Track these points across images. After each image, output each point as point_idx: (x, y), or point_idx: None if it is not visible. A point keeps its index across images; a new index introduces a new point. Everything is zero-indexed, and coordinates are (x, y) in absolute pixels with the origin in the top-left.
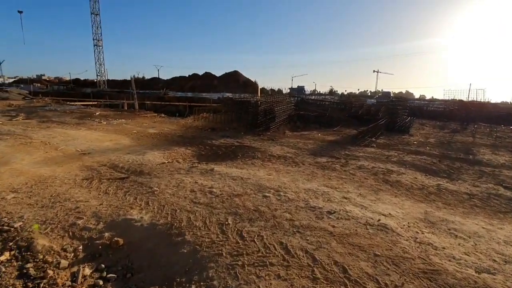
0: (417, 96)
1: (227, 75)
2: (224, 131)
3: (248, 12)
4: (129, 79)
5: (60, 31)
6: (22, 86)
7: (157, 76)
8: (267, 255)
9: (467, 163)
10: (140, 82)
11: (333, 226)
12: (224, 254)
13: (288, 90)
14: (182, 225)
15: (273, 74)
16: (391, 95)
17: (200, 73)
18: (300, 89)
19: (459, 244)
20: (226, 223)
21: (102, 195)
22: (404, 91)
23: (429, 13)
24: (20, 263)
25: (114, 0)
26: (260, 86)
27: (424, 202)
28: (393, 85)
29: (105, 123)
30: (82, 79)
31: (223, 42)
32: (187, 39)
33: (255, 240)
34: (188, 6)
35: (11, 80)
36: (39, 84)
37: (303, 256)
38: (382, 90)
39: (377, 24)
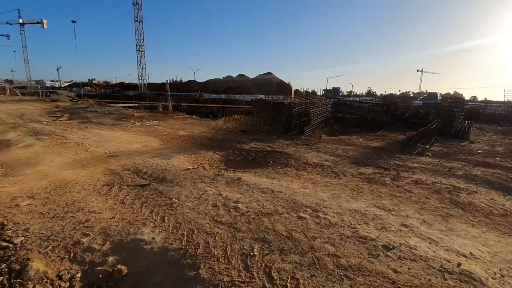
0: (467, 97)
1: (260, 77)
2: (255, 134)
3: (283, 15)
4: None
5: (108, 38)
6: (74, 89)
7: (193, 79)
8: None
9: None
10: (177, 85)
11: (395, 271)
12: None
13: (323, 92)
14: (198, 252)
15: (307, 76)
16: (439, 96)
17: (234, 75)
18: (335, 90)
19: None
20: (251, 254)
21: (118, 205)
22: (452, 92)
23: (478, 12)
24: None
25: (155, 7)
26: (293, 88)
27: None
28: (438, 86)
29: (138, 124)
30: (126, 82)
31: (258, 44)
32: (222, 42)
33: (288, 285)
34: (225, 11)
35: (66, 84)
36: (89, 88)
37: None
38: (427, 90)
39: (421, 23)
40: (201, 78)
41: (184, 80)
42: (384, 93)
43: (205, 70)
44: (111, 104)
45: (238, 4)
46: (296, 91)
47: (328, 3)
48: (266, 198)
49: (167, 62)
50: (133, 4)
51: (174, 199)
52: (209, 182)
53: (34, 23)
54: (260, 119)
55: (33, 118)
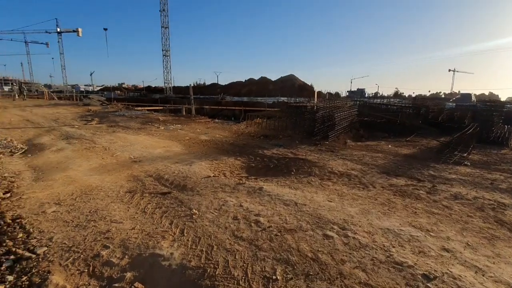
0: (503, 98)
1: (282, 80)
2: (277, 139)
3: (305, 15)
4: (191, 85)
5: (137, 44)
6: (105, 93)
7: (216, 82)
8: None
9: None
10: (201, 88)
11: None
12: None
13: (347, 93)
14: (216, 272)
15: (329, 77)
16: (473, 97)
17: (256, 77)
18: (360, 91)
19: None
20: (274, 277)
21: (139, 214)
22: (487, 93)
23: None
24: None
25: (181, 12)
26: (316, 90)
27: None
28: (470, 86)
29: (162, 128)
30: (153, 86)
31: (279, 46)
32: (245, 45)
33: None
34: (248, 16)
35: (98, 88)
36: (118, 92)
37: None
38: (459, 91)
39: (450, 22)
40: (224, 81)
41: (208, 83)
42: (412, 94)
43: (227, 73)
44: (137, 108)
45: (259, 7)
46: (319, 93)
47: (349, 2)
48: (289, 212)
49: (192, 66)
50: (160, 11)
51: (194, 210)
52: (230, 191)
53: (70, 32)
54: (282, 123)
55: (66, 122)
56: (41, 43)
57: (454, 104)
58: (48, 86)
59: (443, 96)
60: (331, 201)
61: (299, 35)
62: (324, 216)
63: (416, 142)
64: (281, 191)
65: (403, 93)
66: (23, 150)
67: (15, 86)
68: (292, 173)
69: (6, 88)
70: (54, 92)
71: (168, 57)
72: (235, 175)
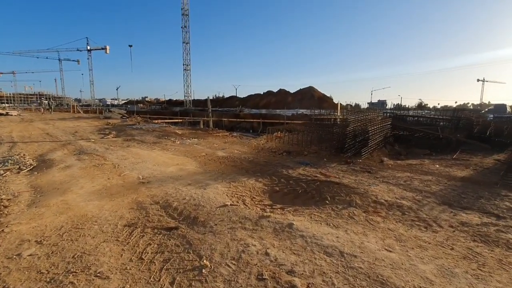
0: None
1: (301, 91)
2: (302, 155)
3: (322, 26)
4: (210, 98)
5: (160, 59)
6: (129, 106)
7: (235, 95)
8: None
9: None
10: (219, 101)
11: None
12: None
13: (367, 105)
14: None
15: (348, 89)
16: (508, 108)
17: (275, 90)
18: (381, 103)
19: None
20: None
21: (134, 262)
22: None
23: None
24: None
25: (201, 27)
26: (335, 101)
27: None
28: (500, 97)
29: (178, 142)
30: (174, 99)
31: (297, 58)
32: (264, 59)
33: None
34: (269, 29)
35: (123, 102)
36: (141, 105)
37: None
38: (489, 102)
39: (476, 28)
40: (242, 93)
41: (226, 95)
42: (437, 105)
43: (246, 86)
44: (155, 121)
45: (279, 20)
46: (339, 105)
47: (363, 14)
48: (335, 268)
49: (211, 79)
50: (181, 27)
51: (204, 260)
52: (252, 228)
53: (99, 49)
54: (306, 138)
55: (84, 136)
56: (73, 60)
57: (491, 115)
58: (78, 100)
59: (471, 107)
60: (390, 251)
61: (318, 48)
62: (388, 279)
63: (466, 160)
64: (318, 231)
65: (427, 104)
66: (32, 167)
67: (44, 101)
68: (327, 202)
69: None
70: (83, 106)
71: (189, 71)
72: (256, 202)
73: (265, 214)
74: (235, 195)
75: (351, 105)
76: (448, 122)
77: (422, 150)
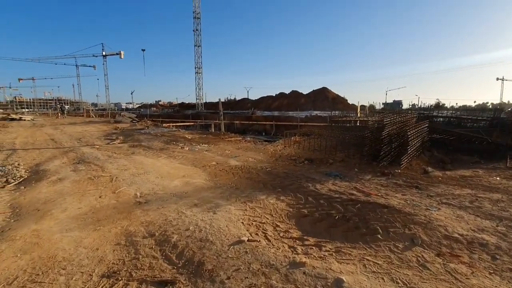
0: None
1: (314, 93)
2: (326, 164)
3: (335, 29)
4: (222, 101)
5: (172, 62)
6: (142, 110)
7: (247, 97)
8: None
9: None
10: (231, 103)
11: None
12: None
13: (382, 106)
14: None
15: (360, 89)
16: None
17: (287, 91)
18: (397, 103)
19: None
20: None
21: None
22: None
23: None
24: None
25: (212, 29)
26: (349, 102)
27: None
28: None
29: (187, 148)
30: (186, 102)
31: (311, 58)
32: (277, 60)
33: None
34: (280, 32)
35: (137, 106)
36: (154, 108)
37: None
38: (508, 101)
39: (493, 26)
40: (254, 95)
41: (238, 98)
42: (455, 105)
43: (258, 88)
44: (165, 124)
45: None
46: (352, 105)
47: (379, 17)
48: None
49: (223, 82)
50: (193, 30)
51: None
52: (282, 287)
53: (114, 55)
54: (327, 142)
55: (89, 142)
56: (89, 66)
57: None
58: (95, 105)
59: (490, 106)
60: None
61: (331, 49)
62: None
63: None
64: None
65: (444, 104)
66: (21, 179)
67: (57, 105)
68: (379, 236)
69: (51, 109)
70: (98, 110)
71: (200, 74)
72: (282, 234)
73: (297, 258)
74: (253, 223)
75: (363, 105)
76: (487, 123)
77: (464, 155)
